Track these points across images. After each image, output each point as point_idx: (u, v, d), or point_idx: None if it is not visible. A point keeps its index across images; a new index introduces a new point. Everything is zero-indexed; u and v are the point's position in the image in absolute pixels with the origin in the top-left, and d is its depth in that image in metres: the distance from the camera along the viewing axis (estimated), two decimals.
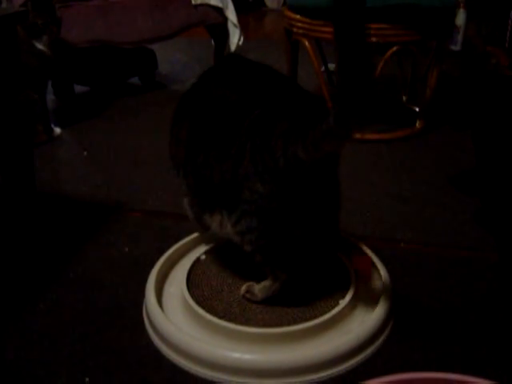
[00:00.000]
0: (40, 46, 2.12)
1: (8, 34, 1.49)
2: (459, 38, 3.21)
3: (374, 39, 2.06)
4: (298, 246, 1.20)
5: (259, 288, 1.20)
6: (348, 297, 1.20)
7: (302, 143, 0.98)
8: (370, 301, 1.23)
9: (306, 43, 2.24)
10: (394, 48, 2.08)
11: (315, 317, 1.15)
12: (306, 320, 1.14)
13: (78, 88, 2.84)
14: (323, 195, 1.15)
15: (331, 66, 2.64)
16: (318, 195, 1.12)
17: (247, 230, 1.11)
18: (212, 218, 1.18)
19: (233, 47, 2.88)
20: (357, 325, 1.17)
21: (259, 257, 1.16)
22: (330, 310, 1.16)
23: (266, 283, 1.19)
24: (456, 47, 3.23)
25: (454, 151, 2.09)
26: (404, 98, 2.59)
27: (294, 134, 1.00)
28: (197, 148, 1.14)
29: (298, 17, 2.23)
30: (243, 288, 1.22)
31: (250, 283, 1.22)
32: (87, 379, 1.08)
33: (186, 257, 1.39)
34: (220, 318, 1.15)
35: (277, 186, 1.05)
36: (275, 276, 1.17)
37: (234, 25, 2.84)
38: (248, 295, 1.21)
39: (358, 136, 2.20)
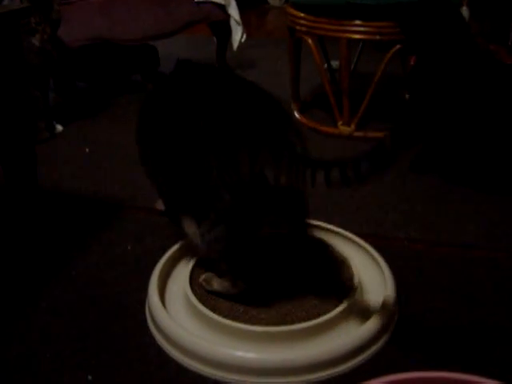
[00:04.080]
0: (36, 43, 2.12)
1: (11, 31, 1.48)
2: None
3: (377, 37, 2.06)
4: (261, 256, 1.22)
5: (218, 282, 1.22)
6: (350, 296, 1.20)
7: (275, 165, 1.02)
8: (373, 299, 1.23)
9: (309, 41, 2.23)
10: (397, 46, 2.07)
11: (317, 316, 1.15)
12: (309, 319, 1.14)
13: (80, 85, 2.84)
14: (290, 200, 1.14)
15: (334, 64, 2.63)
16: (285, 199, 1.13)
17: (216, 239, 1.14)
18: (183, 221, 1.21)
19: (235, 44, 2.88)
20: (359, 324, 1.17)
21: (224, 265, 1.19)
22: (332, 310, 1.16)
23: (226, 283, 1.21)
24: None
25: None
26: (406, 96, 2.58)
27: (262, 152, 1.04)
28: (167, 163, 1.19)
29: (300, 14, 2.22)
30: (203, 276, 1.25)
31: (211, 274, 1.24)
32: (90, 377, 1.08)
33: (189, 255, 1.39)
34: (223, 316, 1.15)
35: (244, 195, 1.07)
36: (235, 284, 1.19)
37: (237, 22, 2.84)
38: (204, 283, 1.24)
39: (360, 134, 2.20)
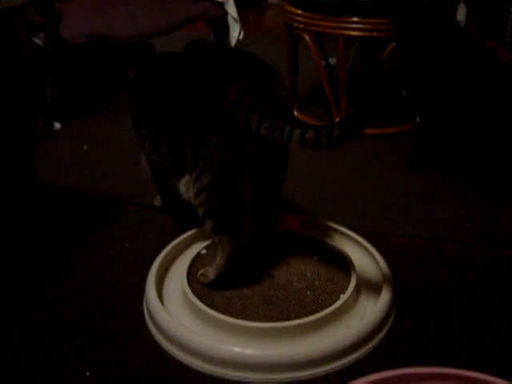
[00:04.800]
0: (38, 42, 2.12)
1: (8, 28, 1.48)
2: None
3: (374, 34, 2.06)
4: (243, 212, 1.25)
5: (211, 269, 1.24)
6: (348, 292, 1.20)
7: (259, 112, 1.08)
8: (371, 296, 1.24)
9: (307, 38, 2.24)
10: (394, 43, 2.07)
11: (316, 311, 1.15)
12: (307, 315, 1.14)
13: (78, 82, 2.84)
14: (271, 157, 1.21)
15: (332, 61, 2.63)
16: (266, 154, 1.19)
17: (203, 188, 1.19)
18: (180, 181, 1.27)
19: (233, 42, 2.87)
20: (357, 320, 1.17)
21: (210, 223, 1.22)
22: (330, 305, 1.17)
23: (217, 258, 1.24)
24: None
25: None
26: (404, 93, 2.58)
27: (247, 94, 1.11)
28: (164, 118, 1.28)
29: (298, 11, 2.22)
30: (200, 272, 1.26)
31: (207, 267, 1.26)
32: (88, 374, 1.08)
33: (187, 251, 1.39)
34: (221, 312, 1.15)
35: (228, 138, 1.14)
36: (222, 248, 1.22)
37: (235, 19, 2.83)
38: (201, 278, 1.25)
39: None
